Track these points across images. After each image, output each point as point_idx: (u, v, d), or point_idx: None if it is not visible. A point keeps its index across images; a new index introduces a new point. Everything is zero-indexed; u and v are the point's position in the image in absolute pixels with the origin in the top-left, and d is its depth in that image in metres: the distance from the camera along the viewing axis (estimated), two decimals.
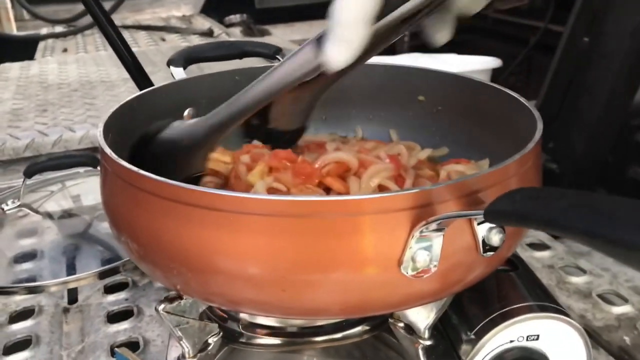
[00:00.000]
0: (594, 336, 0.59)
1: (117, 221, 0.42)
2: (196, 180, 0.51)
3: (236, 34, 2.28)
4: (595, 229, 0.26)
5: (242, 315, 0.47)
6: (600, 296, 0.64)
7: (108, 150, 0.41)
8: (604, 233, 0.25)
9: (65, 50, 2.00)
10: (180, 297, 0.43)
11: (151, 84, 0.75)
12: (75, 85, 1.38)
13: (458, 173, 0.51)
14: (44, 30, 2.35)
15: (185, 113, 0.60)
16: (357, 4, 0.35)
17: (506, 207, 0.30)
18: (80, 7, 2.41)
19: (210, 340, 0.45)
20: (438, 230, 0.35)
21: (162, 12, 2.90)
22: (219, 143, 0.50)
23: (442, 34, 0.42)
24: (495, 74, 1.45)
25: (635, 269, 0.26)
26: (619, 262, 0.26)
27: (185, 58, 0.62)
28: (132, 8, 2.92)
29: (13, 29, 2.95)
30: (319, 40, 0.38)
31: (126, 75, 1.03)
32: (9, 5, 3.25)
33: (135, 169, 0.39)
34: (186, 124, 0.49)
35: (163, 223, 0.38)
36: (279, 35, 2.40)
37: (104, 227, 0.80)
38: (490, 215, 0.31)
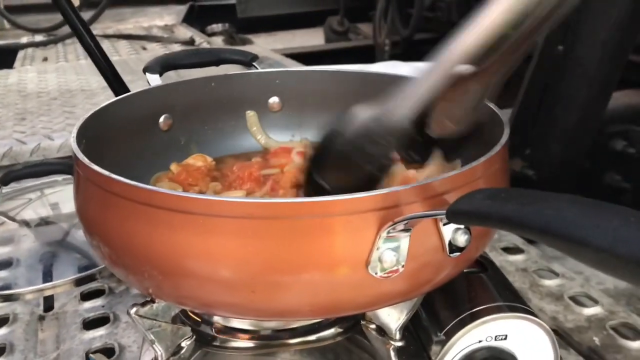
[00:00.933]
0: (564, 337, 0.60)
1: (89, 225, 0.43)
2: None
3: (218, 43, 2.29)
4: (550, 226, 0.27)
5: (216, 319, 0.48)
6: (571, 298, 0.66)
7: (80, 155, 0.42)
8: (556, 231, 0.26)
9: (45, 59, 1.99)
10: (152, 301, 0.43)
11: (128, 91, 0.75)
12: (55, 94, 1.37)
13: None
14: (24, 39, 2.34)
15: (161, 119, 0.61)
16: None
17: (466, 206, 0.31)
18: (61, 17, 2.40)
19: (183, 344, 0.46)
20: (405, 230, 0.36)
21: (145, 22, 2.90)
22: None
23: None
24: None
25: (588, 265, 0.27)
26: (573, 258, 0.27)
27: (162, 65, 0.63)
28: (114, 18, 2.92)
29: None
30: None
31: (106, 83, 1.03)
32: None
33: (105, 172, 0.39)
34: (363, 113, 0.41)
35: (134, 226, 0.38)
36: (261, 44, 2.41)
37: (81, 235, 0.79)
38: (452, 215, 0.32)
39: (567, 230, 0.26)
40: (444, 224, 0.37)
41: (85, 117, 0.49)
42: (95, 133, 0.50)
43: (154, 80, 0.61)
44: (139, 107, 0.58)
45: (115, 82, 0.71)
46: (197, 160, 0.59)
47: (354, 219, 0.36)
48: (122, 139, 0.56)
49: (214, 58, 0.67)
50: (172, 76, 0.64)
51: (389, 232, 0.36)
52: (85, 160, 0.41)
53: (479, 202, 0.30)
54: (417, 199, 0.37)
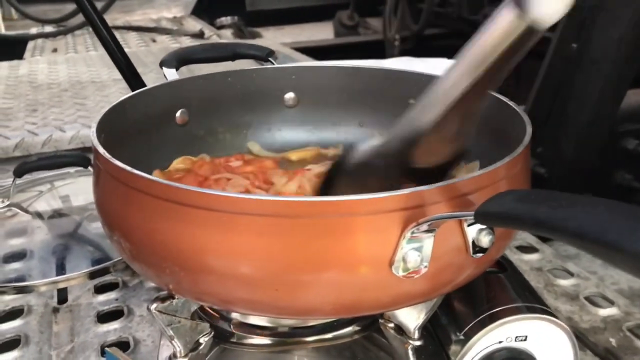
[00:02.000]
0: (580, 338, 0.60)
1: (110, 220, 0.43)
2: None
3: (227, 36, 2.29)
4: (583, 230, 0.26)
5: (234, 315, 0.48)
6: (587, 298, 0.65)
7: (101, 150, 0.42)
8: (591, 235, 0.26)
9: (55, 50, 1.99)
10: (172, 297, 0.43)
11: (143, 85, 0.75)
12: (66, 85, 1.37)
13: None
14: (34, 30, 2.34)
15: (178, 114, 0.61)
16: None
17: (496, 208, 0.31)
18: (70, 7, 2.40)
19: (201, 340, 0.46)
20: (429, 231, 0.36)
21: (153, 14, 2.90)
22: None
23: None
24: None
25: (622, 269, 0.26)
26: (606, 262, 0.27)
27: (178, 59, 0.63)
28: (122, 9, 2.92)
29: (1, 29, 2.94)
30: (517, 1, 0.31)
31: (117, 75, 1.02)
32: None
33: (128, 168, 0.39)
34: (374, 145, 0.42)
35: (156, 222, 0.38)
36: (270, 37, 2.41)
37: (94, 227, 0.80)
38: (481, 216, 0.32)
39: (602, 235, 0.26)
40: (469, 225, 0.37)
41: (105, 110, 0.49)
42: (113, 127, 0.50)
43: (171, 74, 0.61)
44: (156, 101, 0.58)
45: (129, 73, 0.71)
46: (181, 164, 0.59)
47: (378, 218, 0.35)
48: (138, 133, 0.56)
49: (230, 53, 0.67)
50: (183, 71, 0.64)
51: (413, 233, 0.36)
52: (107, 155, 0.41)
53: (509, 204, 0.30)
54: (440, 199, 0.36)
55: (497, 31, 0.33)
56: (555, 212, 0.28)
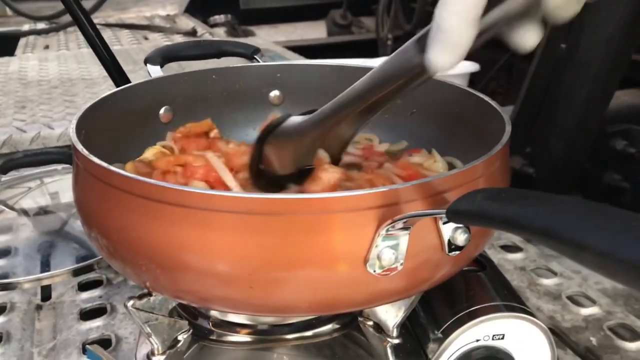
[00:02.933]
0: (561, 337, 0.60)
1: (88, 217, 0.43)
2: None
3: (220, 35, 2.28)
4: (550, 228, 0.27)
5: (213, 313, 0.48)
6: (569, 298, 0.66)
7: (79, 147, 0.42)
8: (557, 233, 0.26)
9: (47, 47, 1.98)
10: (149, 294, 0.43)
11: (129, 82, 0.75)
12: (56, 83, 1.37)
13: (415, 165, 0.54)
14: (26, 27, 2.33)
15: (161, 111, 0.60)
16: (465, 4, 0.32)
17: (467, 206, 0.31)
18: (62, 5, 2.39)
19: (180, 337, 0.46)
20: (404, 229, 0.36)
21: (147, 12, 2.89)
22: (318, 140, 0.47)
23: (530, 37, 0.37)
24: (476, 79, 1.46)
25: (588, 268, 0.26)
26: (573, 261, 0.27)
27: (163, 56, 0.63)
28: (116, 7, 2.91)
29: None
30: (420, 41, 0.36)
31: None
32: None
33: (104, 164, 0.39)
34: (297, 119, 0.47)
35: (132, 219, 0.38)
36: (263, 36, 2.40)
37: (79, 225, 0.79)
38: (452, 214, 0.32)
39: (567, 233, 0.26)
40: (444, 223, 0.37)
41: (85, 107, 0.49)
42: (95, 124, 0.50)
43: (155, 71, 0.61)
44: (139, 98, 0.58)
45: (115, 72, 0.71)
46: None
47: (353, 216, 0.36)
48: (122, 131, 0.56)
49: (216, 50, 0.67)
50: (174, 68, 0.64)
51: (388, 230, 0.36)
52: (85, 151, 0.41)
53: (480, 202, 0.30)
54: (416, 197, 0.37)
55: (398, 60, 0.38)
56: (524, 210, 0.28)
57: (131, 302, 0.42)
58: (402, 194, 0.36)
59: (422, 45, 0.35)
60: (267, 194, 0.39)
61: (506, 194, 0.31)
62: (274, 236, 0.36)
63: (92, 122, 0.49)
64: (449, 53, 0.34)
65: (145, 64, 0.62)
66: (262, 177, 0.49)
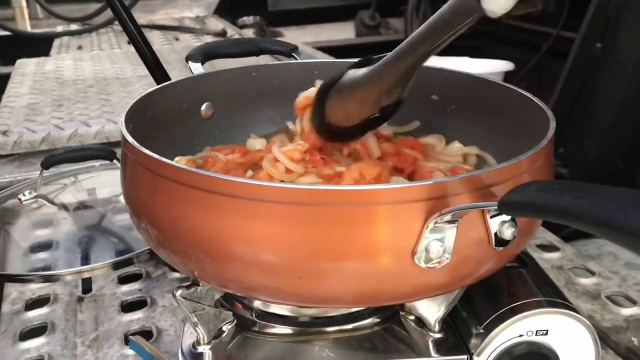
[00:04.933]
0: (602, 337, 0.59)
1: (137, 208, 0.44)
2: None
3: (249, 36, 2.30)
4: (607, 218, 0.27)
5: (256, 304, 0.48)
6: (608, 298, 0.65)
7: (130, 138, 0.43)
8: (614, 222, 0.26)
9: (80, 47, 2.02)
10: (196, 284, 0.44)
11: (169, 80, 0.76)
12: (91, 82, 1.39)
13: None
14: (60, 28, 2.38)
15: (203, 107, 0.61)
16: None
17: (520, 198, 0.31)
18: (93, 7, 2.44)
19: (224, 328, 0.46)
20: (452, 222, 0.36)
21: (175, 13, 2.93)
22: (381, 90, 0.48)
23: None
24: (507, 79, 1.45)
25: None
26: (630, 251, 0.27)
27: (204, 54, 0.64)
28: (144, 9, 2.95)
29: (27, 27, 2.99)
30: None
31: (141, 72, 1.03)
32: (24, 4, 3.30)
33: (156, 156, 0.40)
34: (358, 72, 0.49)
35: (182, 209, 0.39)
36: (291, 37, 2.41)
37: (118, 220, 0.81)
38: (505, 206, 0.32)
39: (626, 222, 0.26)
40: (492, 216, 0.37)
41: (133, 101, 0.50)
42: (141, 119, 0.51)
43: (197, 68, 0.62)
44: (181, 94, 0.59)
45: (156, 69, 0.72)
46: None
47: (402, 208, 0.36)
48: (164, 126, 0.57)
49: (255, 48, 0.68)
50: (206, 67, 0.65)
51: (436, 223, 0.36)
52: (136, 143, 0.42)
53: (533, 193, 0.30)
54: (463, 190, 0.37)
55: (456, 12, 0.39)
56: (579, 201, 0.28)
57: (180, 292, 0.43)
58: (449, 187, 0.36)
59: None
60: (313, 185, 0.40)
61: (559, 185, 0.31)
62: (322, 227, 0.36)
63: (138, 117, 0.50)
64: None
65: (187, 61, 0.63)
66: (326, 131, 0.51)
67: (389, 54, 0.45)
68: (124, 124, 0.45)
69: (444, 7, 0.40)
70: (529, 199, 0.31)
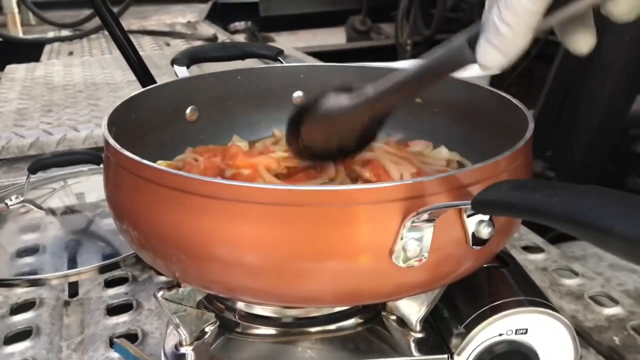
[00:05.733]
0: (584, 336, 0.60)
1: (119, 210, 0.44)
2: None
3: (240, 41, 2.30)
4: (578, 216, 0.27)
5: (239, 305, 0.48)
6: (592, 298, 0.65)
7: (112, 141, 0.43)
8: (586, 220, 0.27)
9: (71, 53, 2.02)
10: (178, 285, 0.44)
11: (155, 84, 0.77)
12: (80, 87, 1.39)
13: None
14: (51, 34, 2.38)
15: (188, 111, 0.62)
16: (526, 11, 0.32)
17: (493, 196, 0.32)
18: (86, 13, 2.44)
19: (207, 329, 0.47)
20: (429, 221, 0.37)
21: (167, 19, 2.93)
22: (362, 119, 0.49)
23: (586, 42, 0.37)
24: (496, 84, 1.46)
25: (615, 254, 0.27)
26: (600, 248, 0.27)
27: (189, 57, 0.64)
28: (137, 15, 2.95)
29: (19, 33, 2.99)
30: (471, 40, 0.37)
31: (131, 77, 1.03)
32: (16, 10, 3.30)
33: (136, 158, 0.40)
34: (341, 98, 0.48)
35: (163, 211, 0.39)
36: (283, 42, 2.42)
37: (105, 224, 0.81)
38: (478, 205, 0.33)
39: (594, 219, 0.26)
40: (468, 216, 0.38)
41: (116, 105, 0.50)
42: (125, 122, 0.51)
43: (182, 72, 0.63)
44: (166, 98, 0.59)
45: (142, 74, 0.73)
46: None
47: (379, 208, 0.36)
48: (149, 129, 0.57)
49: (241, 52, 0.68)
50: (194, 70, 0.65)
51: (413, 222, 0.36)
52: (117, 146, 0.42)
53: (505, 192, 0.31)
54: (441, 190, 0.37)
55: (449, 61, 0.39)
56: (550, 199, 0.29)
57: (161, 293, 0.43)
58: (427, 187, 0.37)
59: (473, 44, 0.36)
60: (292, 186, 0.40)
61: (531, 184, 0.31)
62: (301, 227, 0.36)
63: (121, 120, 0.50)
64: (502, 55, 0.34)
65: (172, 65, 0.63)
66: (304, 153, 0.51)
67: (374, 90, 0.44)
68: (106, 127, 0.46)
69: (439, 52, 0.40)
70: (500, 197, 0.31)
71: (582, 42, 0.37)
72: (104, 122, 0.47)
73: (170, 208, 0.39)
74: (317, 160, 0.52)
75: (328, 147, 0.50)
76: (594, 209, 0.27)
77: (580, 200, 0.28)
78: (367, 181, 0.49)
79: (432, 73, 0.41)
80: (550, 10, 0.33)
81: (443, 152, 0.58)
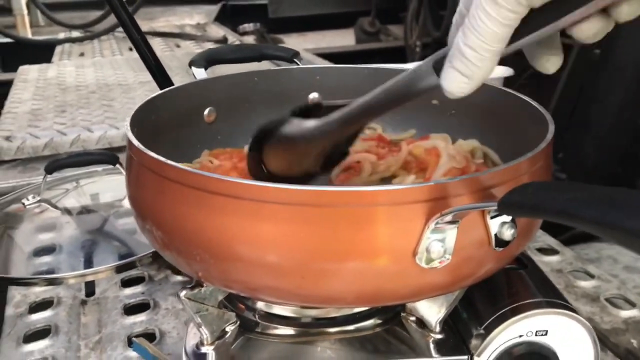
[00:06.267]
0: (601, 339, 0.60)
1: (142, 210, 0.44)
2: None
3: (250, 42, 2.31)
4: (602, 217, 0.27)
5: (259, 305, 0.49)
6: (608, 300, 0.65)
7: (135, 142, 0.43)
8: (609, 220, 0.27)
9: (82, 54, 2.03)
10: (200, 285, 0.45)
11: (172, 85, 0.77)
12: (93, 88, 1.40)
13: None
14: (62, 35, 2.40)
15: (206, 112, 0.62)
16: (490, 37, 0.32)
17: (519, 198, 0.32)
18: (94, 14, 2.46)
19: (227, 329, 0.47)
20: (452, 222, 0.37)
21: (175, 21, 2.94)
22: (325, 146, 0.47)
23: (553, 63, 0.37)
24: (507, 85, 1.46)
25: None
26: (629, 250, 0.27)
27: (207, 59, 0.64)
28: (145, 16, 2.97)
29: (28, 34, 3.01)
30: (437, 64, 0.37)
31: (143, 78, 1.04)
32: (25, 11, 3.32)
33: (161, 158, 0.40)
34: (304, 124, 0.46)
35: (187, 211, 0.39)
36: (292, 44, 2.43)
37: (120, 224, 0.81)
38: (504, 206, 0.33)
39: (624, 221, 0.26)
40: (492, 217, 0.38)
41: (137, 106, 0.51)
42: (145, 122, 0.51)
43: (200, 74, 0.63)
44: (185, 99, 0.60)
45: (159, 75, 0.73)
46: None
47: (403, 209, 0.37)
48: (168, 130, 0.57)
49: (257, 54, 0.68)
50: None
51: (437, 223, 0.36)
52: (141, 146, 0.42)
53: (532, 194, 0.31)
54: (464, 191, 0.37)
55: (414, 86, 0.39)
56: (575, 200, 0.29)
57: (184, 292, 0.43)
58: (450, 189, 0.37)
59: (438, 68, 0.36)
60: (316, 187, 0.40)
61: (557, 186, 0.31)
62: (325, 227, 0.37)
63: (142, 121, 0.50)
64: (467, 82, 0.34)
65: (190, 67, 0.64)
66: (266, 179, 0.48)
67: (338, 114, 0.43)
68: (129, 128, 0.46)
69: (402, 76, 0.40)
70: (527, 199, 0.31)
71: (550, 63, 0.37)
72: (127, 123, 0.47)
73: (194, 208, 0.39)
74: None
75: (290, 173, 0.48)
76: (624, 211, 0.27)
77: (608, 201, 0.28)
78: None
79: (395, 97, 0.40)
80: (515, 34, 0.33)
81: (463, 144, 0.58)
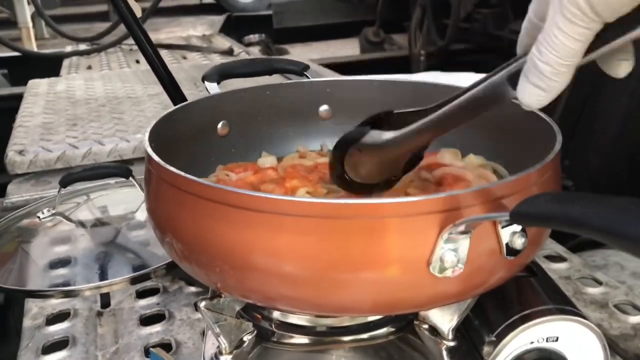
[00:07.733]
0: (610, 344, 0.60)
1: (162, 223, 0.45)
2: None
3: (255, 53, 2.33)
4: (611, 226, 0.28)
5: (275, 315, 0.50)
6: (616, 306, 0.66)
7: (155, 157, 0.45)
8: (619, 230, 0.28)
9: (89, 67, 2.05)
10: (219, 296, 0.46)
11: (184, 98, 0.79)
12: (103, 101, 1.42)
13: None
14: (69, 48, 2.42)
15: (219, 126, 0.64)
16: (566, 52, 0.33)
17: (531, 208, 0.33)
18: (99, 26, 2.49)
19: (245, 338, 0.48)
20: (465, 232, 0.38)
21: (179, 32, 2.97)
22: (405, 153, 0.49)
23: (625, 67, 0.37)
24: None
25: None
26: (633, 255, 0.29)
27: (219, 73, 0.66)
28: (149, 27, 2.99)
29: (34, 47, 3.04)
30: (511, 78, 0.38)
31: (151, 91, 1.05)
32: (31, 24, 3.36)
33: (181, 173, 0.42)
34: (383, 136, 0.48)
35: (207, 224, 0.41)
36: (297, 54, 2.45)
37: (134, 236, 0.83)
38: (517, 216, 0.34)
39: (629, 231, 0.27)
40: (503, 227, 0.39)
41: (155, 121, 0.52)
42: (162, 137, 0.53)
43: (213, 88, 0.64)
44: (199, 113, 0.61)
45: (172, 88, 0.75)
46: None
47: (417, 220, 0.38)
48: (183, 143, 0.59)
49: (268, 67, 0.70)
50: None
51: (450, 234, 0.38)
52: (161, 161, 0.44)
53: (544, 204, 0.32)
54: (476, 202, 0.39)
55: (490, 98, 0.41)
56: (586, 210, 0.30)
57: (203, 303, 0.45)
58: (462, 200, 0.38)
59: (514, 82, 0.37)
60: (333, 199, 0.42)
61: (567, 196, 0.33)
62: (342, 239, 0.38)
63: (159, 136, 0.52)
64: (544, 95, 0.35)
65: (203, 81, 0.65)
66: (348, 185, 0.52)
67: (417, 124, 0.45)
68: (147, 142, 0.47)
69: (478, 89, 0.41)
70: (539, 209, 0.32)
71: (620, 69, 0.37)
72: (145, 136, 0.48)
73: (214, 221, 0.40)
74: (361, 192, 0.52)
75: (371, 180, 0.51)
76: (634, 221, 0.28)
77: (619, 211, 0.29)
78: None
79: (473, 109, 0.42)
80: (590, 47, 0.34)
81: (473, 160, 0.60)
